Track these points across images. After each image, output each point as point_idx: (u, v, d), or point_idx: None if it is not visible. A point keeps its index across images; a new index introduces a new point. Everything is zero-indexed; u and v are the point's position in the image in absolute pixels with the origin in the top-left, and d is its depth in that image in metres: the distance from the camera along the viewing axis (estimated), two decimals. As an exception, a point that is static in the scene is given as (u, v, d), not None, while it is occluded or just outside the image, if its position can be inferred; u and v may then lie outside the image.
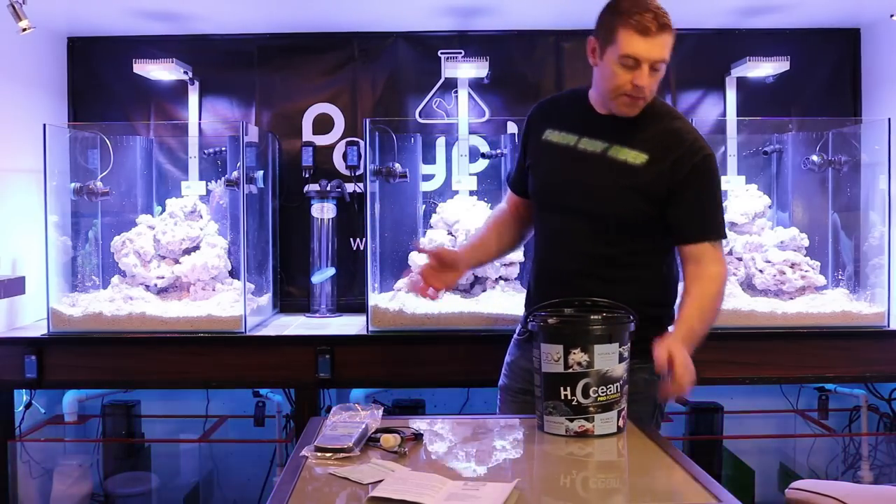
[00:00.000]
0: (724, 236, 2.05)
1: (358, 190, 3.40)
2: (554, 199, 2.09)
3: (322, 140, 3.49)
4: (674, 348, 1.82)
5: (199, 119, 3.39)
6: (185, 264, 3.12)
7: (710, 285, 1.99)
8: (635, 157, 1.99)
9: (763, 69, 3.23)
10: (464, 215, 3.09)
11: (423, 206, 3.33)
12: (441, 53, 3.46)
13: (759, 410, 3.40)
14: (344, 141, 3.47)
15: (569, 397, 1.81)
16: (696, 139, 2.01)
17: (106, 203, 3.25)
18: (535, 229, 2.22)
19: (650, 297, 2.06)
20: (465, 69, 3.22)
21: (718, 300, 2.00)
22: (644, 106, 1.99)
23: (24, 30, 2.73)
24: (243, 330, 2.86)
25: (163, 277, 3.12)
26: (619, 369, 1.84)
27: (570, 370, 1.82)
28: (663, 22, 1.88)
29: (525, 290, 2.26)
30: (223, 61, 3.47)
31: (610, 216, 2.02)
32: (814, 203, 3.25)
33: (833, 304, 2.94)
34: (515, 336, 2.22)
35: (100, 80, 3.48)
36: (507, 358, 2.27)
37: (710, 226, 2.02)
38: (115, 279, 3.16)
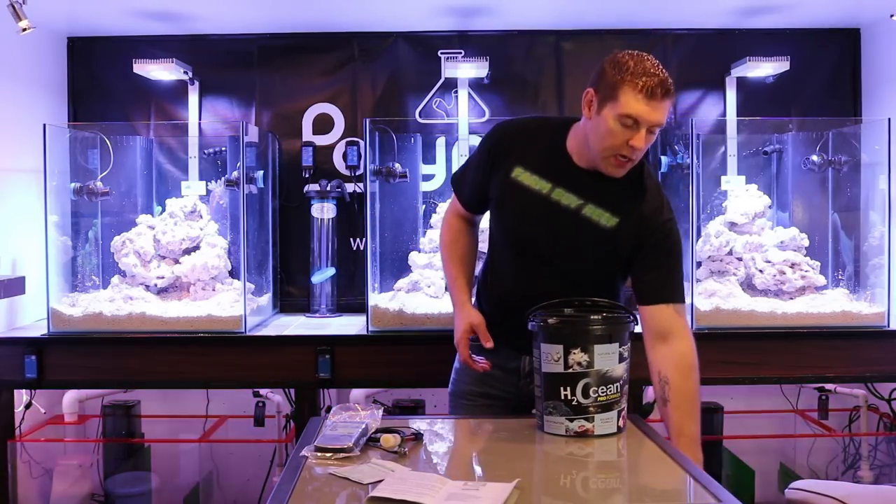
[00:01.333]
0: (684, 301, 2.05)
1: (358, 190, 3.40)
2: (525, 245, 2.08)
3: (322, 140, 3.48)
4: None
5: (199, 119, 3.39)
6: (185, 264, 3.12)
7: (689, 380, 1.96)
8: (608, 219, 1.99)
9: (763, 69, 3.23)
10: (464, 215, 3.08)
11: (423, 206, 3.33)
12: (441, 53, 3.46)
13: (759, 410, 3.40)
14: (344, 141, 3.47)
15: (569, 397, 1.82)
16: (662, 204, 2.02)
17: (106, 203, 3.25)
18: (494, 255, 2.19)
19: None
20: (465, 69, 3.22)
21: (699, 387, 1.98)
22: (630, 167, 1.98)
23: (24, 30, 2.73)
24: (243, 330, 2.86)
25: (163, 277, 3.12)
26: (620, 369, 1.85)
27: (570, 370, 1.82)
28: (668, 89, 1.86)
29: None
30: (223, 61, 3.47)
31: (579, 271, 2.05)
32: (814, 203, 3.25)
33: (833, 304, 2.94)
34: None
35: (100, 80, 3.47)
36: (458, 364, 2.23)
37: (671, 289, 2.01)
38: (115, 279, 3.15)
